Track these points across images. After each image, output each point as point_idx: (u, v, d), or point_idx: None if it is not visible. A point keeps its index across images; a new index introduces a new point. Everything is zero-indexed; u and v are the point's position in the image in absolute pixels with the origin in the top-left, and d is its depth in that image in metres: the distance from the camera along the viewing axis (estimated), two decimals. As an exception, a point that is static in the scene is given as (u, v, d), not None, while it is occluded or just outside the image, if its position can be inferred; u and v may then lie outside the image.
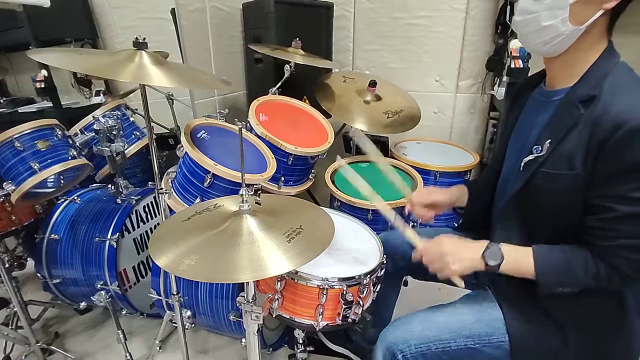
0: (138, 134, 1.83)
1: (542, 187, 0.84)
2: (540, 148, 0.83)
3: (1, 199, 1.43)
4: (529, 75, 1.13)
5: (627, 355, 0.90)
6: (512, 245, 0.87)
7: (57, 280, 1.58)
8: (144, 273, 1.71)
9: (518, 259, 0.85)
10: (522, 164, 0.87)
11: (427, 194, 1.16)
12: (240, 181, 0.85)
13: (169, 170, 1.33)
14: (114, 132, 1.48)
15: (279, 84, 1.72)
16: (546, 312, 0.88)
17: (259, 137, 1.43)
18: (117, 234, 1.53)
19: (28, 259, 1.93)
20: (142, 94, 1.08)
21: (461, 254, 0.89)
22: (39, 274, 1.60)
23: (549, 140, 0.82)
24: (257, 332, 0.89)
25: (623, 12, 0.78)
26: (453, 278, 0.90)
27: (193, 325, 1.43)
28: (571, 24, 0.76)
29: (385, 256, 1.13)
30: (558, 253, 0.83)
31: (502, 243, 0.88)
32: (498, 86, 1.90)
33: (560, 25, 0.77)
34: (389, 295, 1.32)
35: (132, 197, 1.64)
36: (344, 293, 1.00)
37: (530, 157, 0.85)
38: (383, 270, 1.11)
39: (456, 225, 1.32)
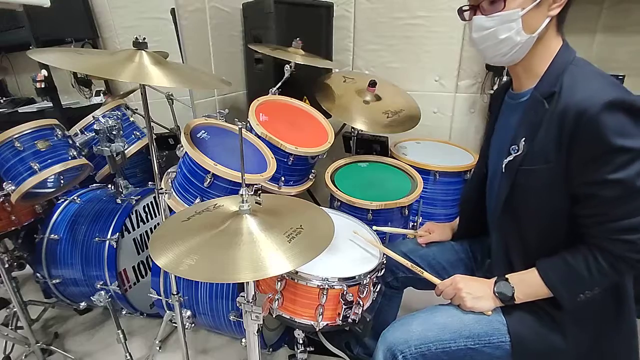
0: (138, 134, 1.83)
1: (526, 186, 0.87)
2: (517, 147, 0.87)
3: (1, 199, 1.43)
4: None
5: (629, 348, 0.91)
6: (518, 273, 0.90)
7: (57, 281, 1.58)
8: (143, 273, 1.71)
9: (528, 284, 0.88)
10: (504, 165, 0.91)
11: (426, 239, 1.23)
12: (240, 181, 0.85)
13: (169, 170, 1.33)
14: (114, 132, 1.48)
15: (279, 84, 1.71)
16: (544, 308, 0.89)
17: (259, 137, 1.43)
18: (117, 234, 1.53)
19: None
20: (142, 94, 1.08)
21: (476, 292, 0.93)
22: (38, 274, 1.60)
23: (523, 138, 0.86)
24: (257, 332, 0.89)
25: (566, 15, 0.85)
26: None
27: (193, 325, 1.43)
28: (525, 33, 0.82)
29: (385, 256, 1.13)
30: (560, 262, 0.84)
31: (508, 274, 0.91)
32: (498, 86, 1.90)
33: (515, 36, 0.83)
34: (391, 307, 1.32)
35: (132, 197, 1.64)
36: (344, 293, 1.00)
37: (510, 157, 0.89)
38: (383, 270, 1.11)
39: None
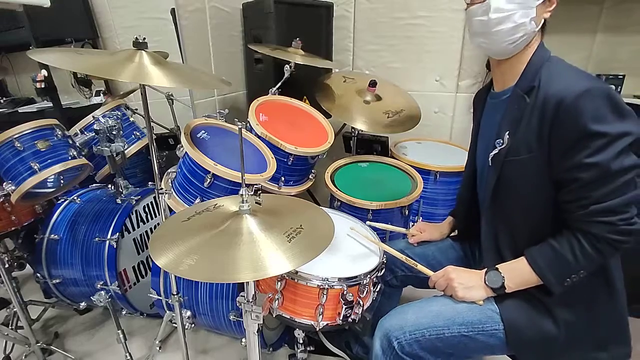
0: (138, 134, 1.83)
1: (512, 177, 0.91)
2: (501, 141, 0.92)
3: (1, 199, 1.43)
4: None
5: (621, 333, 0.92)
6: (508, 262, 0.93)
7: (57, 281, 1.58)
8: (144, 273, 1.71)
9: (518, 273, 0.91)
10: (490, 159, 0.95)
11: (418, 238, 1.26)
12: (240, 181, 0.85)
13: (169, 170, 1.33)
14: (114, 132, 1.48)
15: (279, 84, 1.71)
16: (536, 296, 0.91)
17: (259, 137, 1.43)
18: (117, 234, 1.53)
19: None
20: (142, 94, 1.08)
21: (467, 282, 0.95)
22: (38, 274, 1.60)
23: (507, 132, 0.90)
24: (257, 332, 0.89)
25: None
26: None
27: (193, 325, 1.43)
28: (534, 24, 0.86)
29: (385, 257, 1.13)
30: (546, 248, 0.88)
31: (498, 264, 0.93)
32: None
33: (528, 25, 0.85)
34: (390, 305, 1.32)
35: (132, 197, 1.64)
36: (344, 293, 1.00)
37: (495, 151, 0.93)
38: (383, 270, 1.11)
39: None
